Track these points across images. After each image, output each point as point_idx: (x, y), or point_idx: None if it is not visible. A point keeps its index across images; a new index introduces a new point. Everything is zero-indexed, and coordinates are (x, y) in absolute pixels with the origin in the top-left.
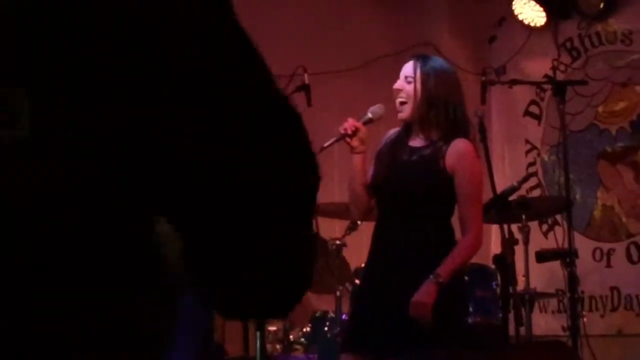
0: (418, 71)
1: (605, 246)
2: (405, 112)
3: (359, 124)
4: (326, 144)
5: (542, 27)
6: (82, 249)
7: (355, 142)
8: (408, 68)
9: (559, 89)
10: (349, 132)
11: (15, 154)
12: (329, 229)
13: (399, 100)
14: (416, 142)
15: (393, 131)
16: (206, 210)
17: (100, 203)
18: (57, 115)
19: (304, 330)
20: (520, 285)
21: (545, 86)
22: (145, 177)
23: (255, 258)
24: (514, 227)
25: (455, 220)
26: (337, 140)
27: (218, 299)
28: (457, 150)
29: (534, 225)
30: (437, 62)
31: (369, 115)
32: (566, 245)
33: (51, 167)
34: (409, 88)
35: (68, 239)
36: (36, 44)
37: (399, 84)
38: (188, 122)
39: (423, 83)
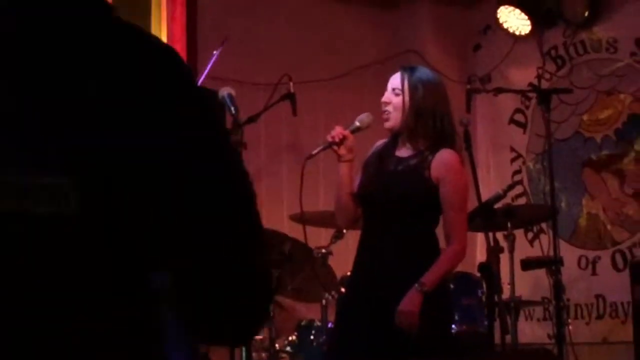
0: (406, 83)
1: (591, 254)
2: (392, 121)
3: (346, 132)
4: (314, 152)
5: (526, 35)
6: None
7: (342, 151)
8: (396, 80)
9: (544, 97)
10: (337, 140)
11: (64, 228)
12: (314, 237)
13: (385, 112)
14: (403, 152)
15: (381, 142)
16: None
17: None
18: (98, 197)
19: (290, 338)
20: (506, 293)
21: (530, 94)
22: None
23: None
24: (500, 235)
25: (439, 229)
26: (324, 148)
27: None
28: (443, 160)
29: (519, 233)
30: (425, 72)
31: (357, 123)
32: (551, 253)
33: (91, 234)
34: (397, 100)
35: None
36: (84, 148)
37: (387, 96)
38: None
39: (411, 95)
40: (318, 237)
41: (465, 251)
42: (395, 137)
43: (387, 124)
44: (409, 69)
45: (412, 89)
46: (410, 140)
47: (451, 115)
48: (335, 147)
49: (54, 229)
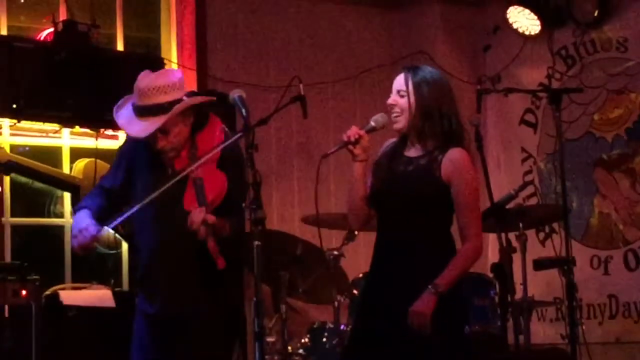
0: (410, 83)
1: (603, 254)
2: (400, 123)
3: (362, 132)
4: (330, 151)
5: (536, 35)
6: None
7: (358, 150)
8: (399, 81)
9: (555, 97)
10: (352, 139)
11: None
12: (326, 239)
13: (393, 115)
14: (412, 152)
15: (390, 142)
16: None
17: None
18: None
19: (303, 341)
20: (518, 294)
21: (541, 94)
22: None
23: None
24: (512, 236)
25: (455, 230)
26: (340, 148)
27: None
28: (452, 159)
29: (531, 233)
30: (428, 71)
31: (372, 124)
32: (564, 253)
33: None
34: (403, 102)
35: None
36: None
37: (392, 99)
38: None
39: (416, 95)
40: (330, 239)
41: (482, 251)
42: (404, 138)
43: (397, 126)
44: (412, 69)
45: (417, 88)
46: (419, 140)
47: (458, 112)
48: (350, 147)
49: None
